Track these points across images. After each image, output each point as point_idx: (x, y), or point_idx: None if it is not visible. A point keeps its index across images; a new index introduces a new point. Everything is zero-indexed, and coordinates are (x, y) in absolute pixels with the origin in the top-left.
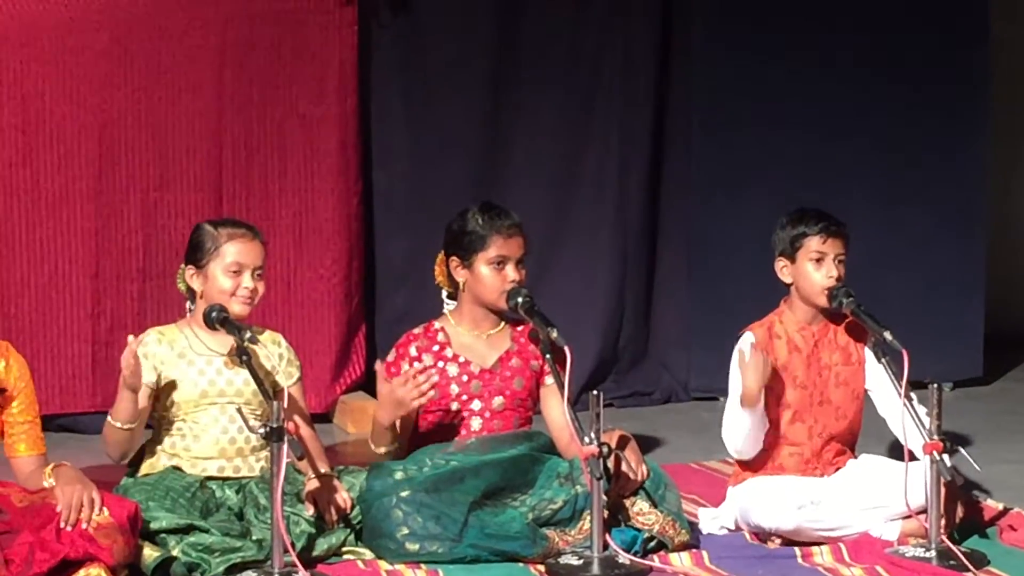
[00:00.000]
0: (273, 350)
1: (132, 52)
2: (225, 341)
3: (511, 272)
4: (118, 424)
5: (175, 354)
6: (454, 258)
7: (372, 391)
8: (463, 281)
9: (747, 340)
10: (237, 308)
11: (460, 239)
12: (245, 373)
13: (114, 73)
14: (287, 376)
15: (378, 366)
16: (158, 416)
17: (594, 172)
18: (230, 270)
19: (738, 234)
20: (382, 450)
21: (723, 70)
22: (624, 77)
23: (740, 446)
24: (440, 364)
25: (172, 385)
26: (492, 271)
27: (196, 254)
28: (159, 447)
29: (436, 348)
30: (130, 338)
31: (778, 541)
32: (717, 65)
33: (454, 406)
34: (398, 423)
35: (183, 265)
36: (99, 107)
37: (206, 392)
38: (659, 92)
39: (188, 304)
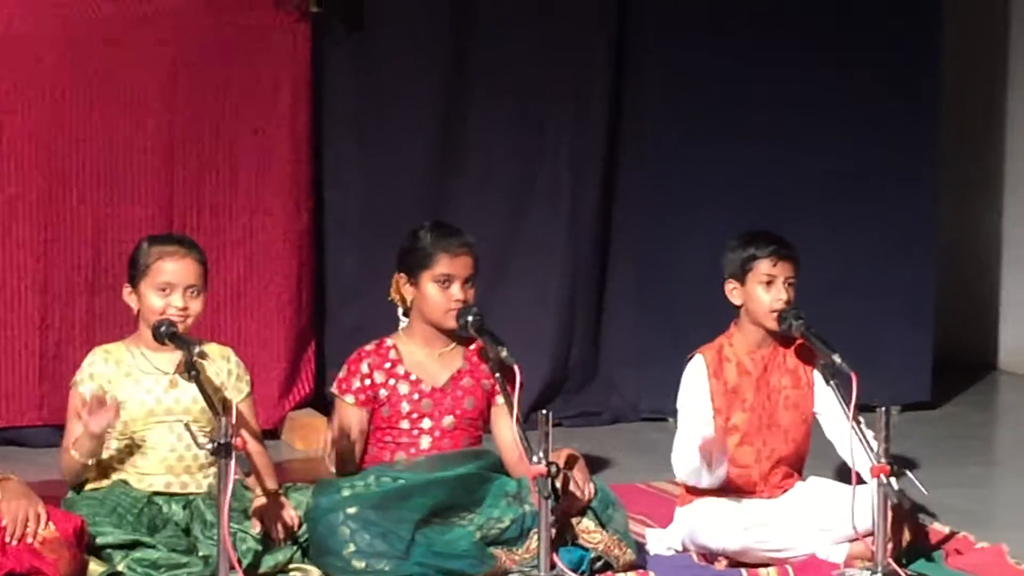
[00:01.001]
0: (222, 365)
1: (83, 66)
2: (172, 359)
3: (456, 291)
4: (78, 457)
5: (121, 373)
6: (402, 275)
7: (321, 408)
8: (411, 299)
9: (697, 363)
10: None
11: (408, 257)
12: (192, 390)
13: (65, 87)
14: (236, 392)
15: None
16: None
17: (546, 192)
18: (159, 288)
19: (689, 256)
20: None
21: (675, 93)
22: (577, 97)
23: (688, 480)
24: (391, 381)
25: (120, 404)
26: (438, 289)
27: (131, 271)
28: (106, 462)
29: (388, 365)
30: (108, 397)
31: (725, 562)
32: (670, 87)
33: (404, 424)
34: (357, 448)
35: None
36: (49, 121)
37: (153, 411)
38: (611, 113)
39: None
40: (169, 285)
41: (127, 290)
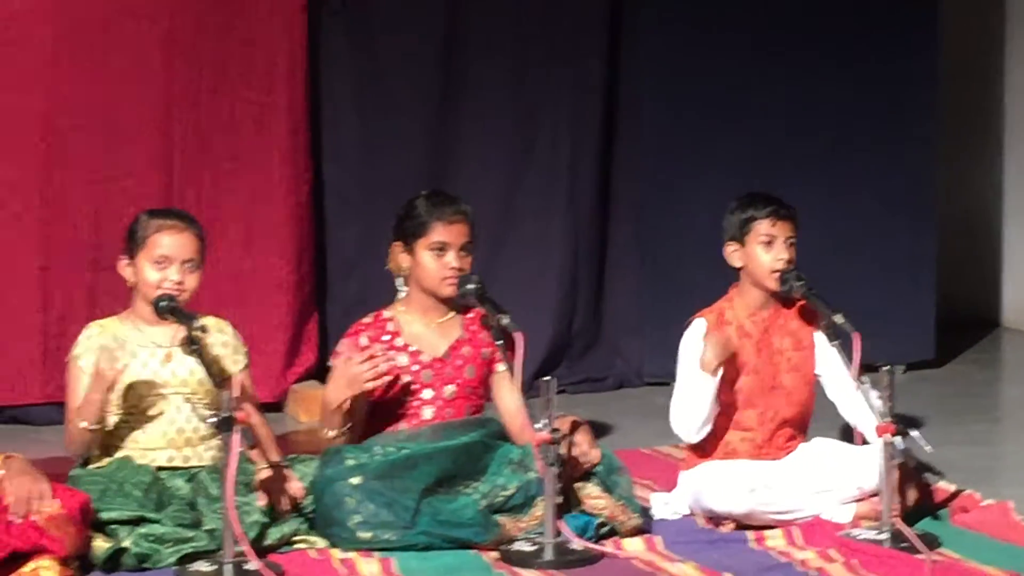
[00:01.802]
0: (218, 338)
1: (79, 41)
2: (167, 332)
3: (452, 259)
4: (85, 425)
5: (117, 347)
6: (398, 244)
7: (324, 380)
8: (407, 267)
9: (698, 327)
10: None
11: (404, 224)
12: (190, 363)
13: (61, 63)
14: (234, 363)
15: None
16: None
17: (545, 159)
18: (157, 262)
19: (689, 220)
20: (332, 433)
21: (674, 57)
22: (575, 64)
23: (689, 424)
24: (391, 354)
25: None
26: (433, 257)
27: (129, 244)
28: (108, 440)
29: (386, 338)
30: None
31: (731, 525)
32: (668, 52)
33: (406, 395)
34: (347, 404)
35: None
36: (46, 98)
37: (151, 384)
38: (609, 79)
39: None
40: (166, 259)
41: (123, 262)
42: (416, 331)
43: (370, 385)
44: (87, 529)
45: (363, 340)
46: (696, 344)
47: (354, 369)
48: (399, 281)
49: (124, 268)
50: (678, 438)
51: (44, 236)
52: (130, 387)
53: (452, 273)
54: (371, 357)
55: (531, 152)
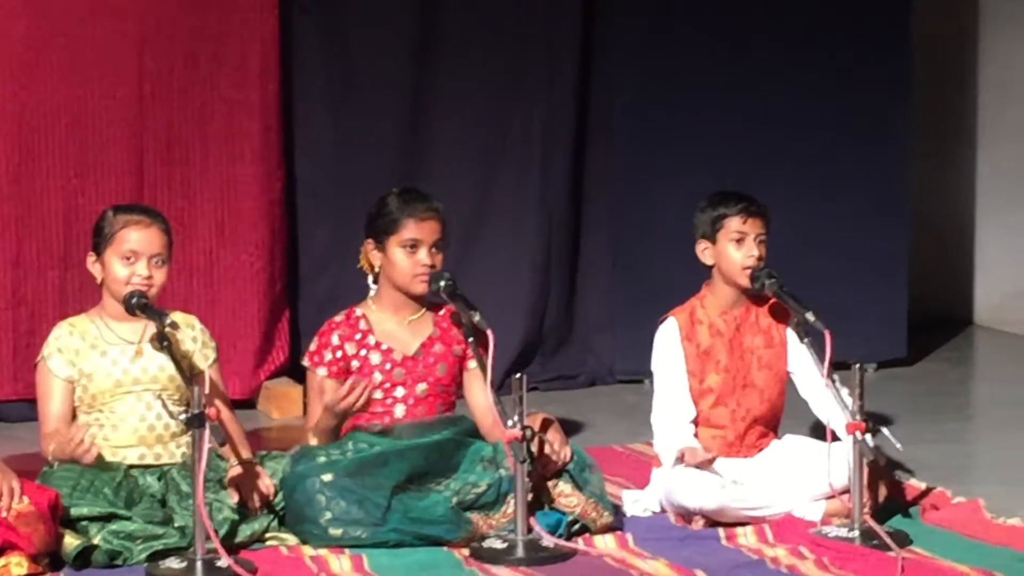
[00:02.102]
0: (187, 333)
1: (50, 36)
2: (135, 329)
3: (424, 256)
4: (51, 457)
5: (87, 345)
6: (370, 241)
7: (296, 377)
8: (379, 265)
9: (670, 325)
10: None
11: (375, 222)
12: (159, 360)
13: (32, 59)
14: (203, 358)
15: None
16: (75, 407)
17: (517, 157)
18: (125, 257)
19: (661, 218)
20: (315, 441)
21: (646, 53)
22: (547, 61)
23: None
24: (362, 352)
25: (88, 376)
26: (404, 254)
27: (96, 240)
28: None
29: (358, 336)
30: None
31: (702, 522)
32: (641, 50)
33: (377, 394)
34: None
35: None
36: (17, 93)
37: (120, 381)
38: (581, 76)
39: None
40: (134, 253)
41: (91, 259)
42: (388, 329)
43: (357, 408)
44: (57, 526)
45: (335, 339)
46: (668, 344)
47: (343, 405)
48: (370, 279)
49: (92, 265)
50: (651, 435)
51: (14, 232)
52: (99, 385)
53: (424, 270)
54: (351, 389)
55: (504, 150)
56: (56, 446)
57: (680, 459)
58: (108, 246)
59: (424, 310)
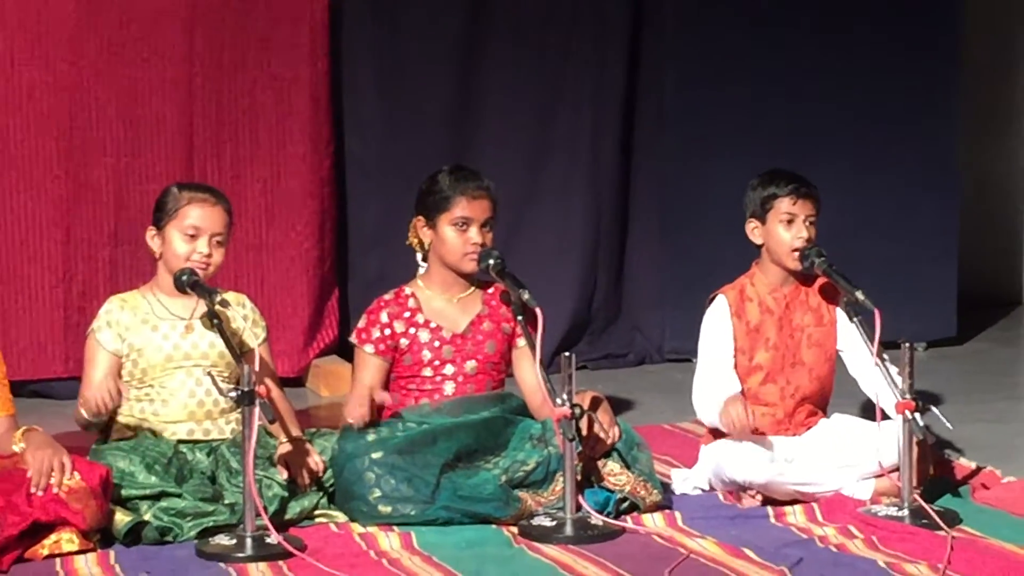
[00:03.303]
0: (238, 312)
1: (101, 16)
2: (187, 305)
3: (474, 234)
4: (85, 414)
5: (138, 320)
6: (420, 218)
7: (345, 355)
8: (428, 242)
9: (719, 303)
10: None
11: (426, 199)
12: (209, 336)
13: (83, 37)
14: (253, 337)
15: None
16: (126, 383)
17: (567, 134)
18: (187, 233)
19: (711, 195)
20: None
21: (696, 31)
22: (597, 39)
23: (710, 411)
24: (411, 330)
25: (138, 351)
26: (455, 232)
27: (158, 214)
28: (128, 412)
29: (407, 314)
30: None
31: (756, 498)
32: (690, 26)
33: (427, 371)
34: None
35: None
36: (68, 71)
37: (171, 356)
38: (632, 54)
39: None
40: (197, 230)
41: (151, 232)
42: (437, 307)
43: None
44: (107, 502)
45: (384, 316)
46: (717, 321)
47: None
48: (419, 256)
49: (152, 239)
50: (696, 413)
51: (66, 210)
52: (150, 360)
53: (474, 248)
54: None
55: (553, 128)
56: (83, 399)
57: (727, 417)
58: (171, 221)
59: (473, 288)
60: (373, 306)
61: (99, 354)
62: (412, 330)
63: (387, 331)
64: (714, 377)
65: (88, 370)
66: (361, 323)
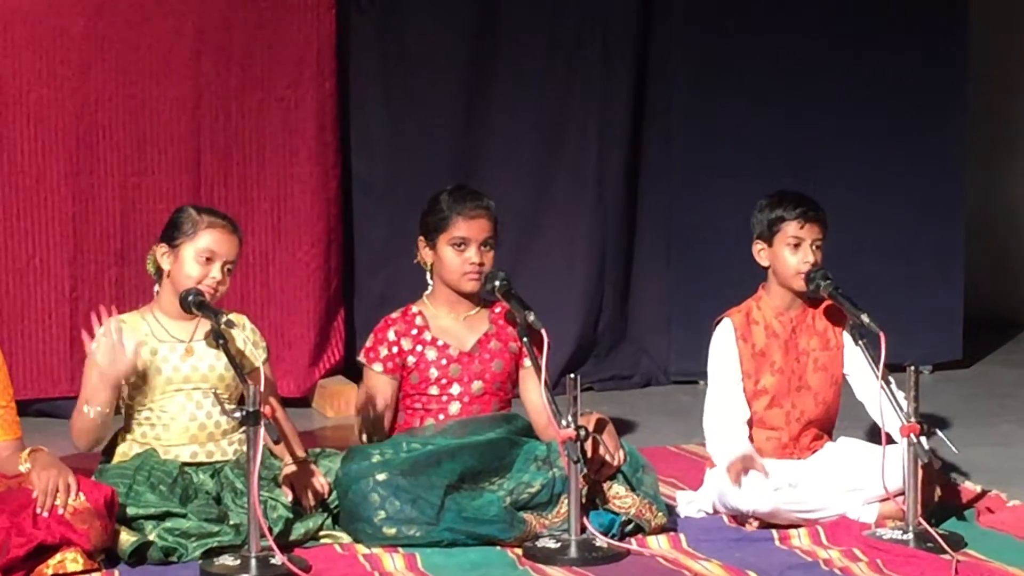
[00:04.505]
0: (238, 333)
1: (109, 36)
2: (187, 327)
3: (472, 254)
4: (97, 409)
5: (139, 342)
6: (422, 238)
7: (351, 375)
8: (430, 262)
9: (725, 328)
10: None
11: (427, 220)
12: (209, 359)
13: (91, 56)
14: (254, 358)
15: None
16: (126, 405)
17: (574, 156)
18: (202, 256)
19: (717, 218)
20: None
21: (703, 55)
22: (603, 61)
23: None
24: (418, 348)
25: (138, 374)
26: (453, 252)
27: (172, 232)
28: (130, 436)
29: (414, 332)
30: (102, 328)
31: (756, 524)
32: (697, 50)
33: (433, 390)
34: (387, 416)
35: (156, 244)
36: (76, 91)
37: (171, 379)
38: (638, 76)
39: (156, 288)
40: (213, 254)
41: (162, 249)
42: (444, 325)
43: None
44: (112, 522)
45: (391, 335)
46: (723, 345)
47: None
48: (428, 275)
49: (162, 256)
50: (703, 436)
51: (72, 229)
52: (149, 383)
53: (473, 268)
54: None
55: (560, 149)
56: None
57: (738, 470)
58: (187, 241)
59: (479, 307)
60: (380, 325)
61: (94, 373)
62: (419, 348)
63: (395, 348)
64: (723, 405)
65: (83, 388)
66: (369, 343)
